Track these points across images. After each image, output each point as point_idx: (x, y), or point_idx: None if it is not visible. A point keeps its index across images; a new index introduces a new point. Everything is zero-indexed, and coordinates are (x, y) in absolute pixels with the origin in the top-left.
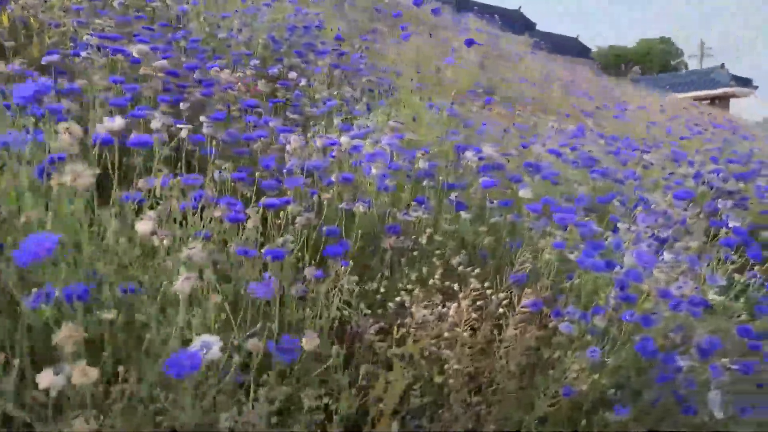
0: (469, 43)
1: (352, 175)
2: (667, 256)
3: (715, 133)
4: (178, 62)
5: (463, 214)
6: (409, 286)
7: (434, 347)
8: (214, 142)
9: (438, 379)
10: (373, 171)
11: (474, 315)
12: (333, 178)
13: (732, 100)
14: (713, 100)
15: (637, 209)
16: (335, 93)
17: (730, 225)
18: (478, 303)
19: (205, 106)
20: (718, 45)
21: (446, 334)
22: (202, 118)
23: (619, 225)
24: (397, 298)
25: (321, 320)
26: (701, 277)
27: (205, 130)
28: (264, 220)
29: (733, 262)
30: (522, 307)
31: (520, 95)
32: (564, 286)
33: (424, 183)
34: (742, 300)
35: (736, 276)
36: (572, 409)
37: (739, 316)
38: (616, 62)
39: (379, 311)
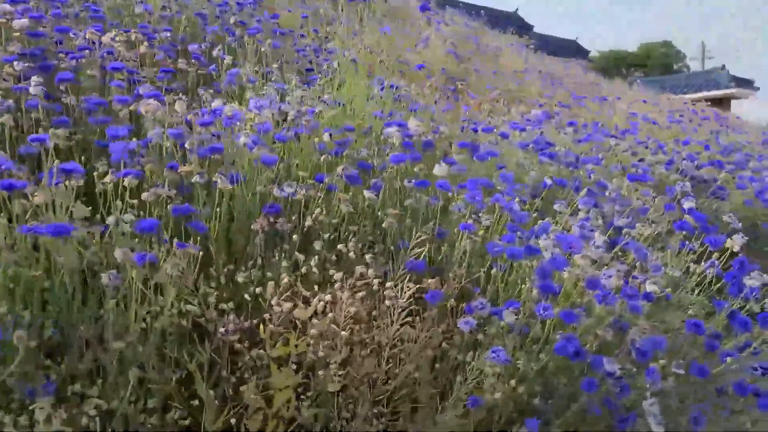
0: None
1: (221, 145)
2: (599, 240)
3: (702, 124)
4: (52, 27)
5: (368, 194)
6: (283, 276)
7: (315, 348)
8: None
9: (331, 387)
10: (242, 139)
11: (353, 309)
12: (203, 149)
13: (734, 102)
14: (714, 101)
15: (581, 193)
16: (257, 70)
17: (685, 207)
18: (360, 295)
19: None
20: (718, 46)
21: (328, 333)
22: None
23: (556, 207)
24: (258, 289)
25: (164, 318)
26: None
27: (32, 89)
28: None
29: (692, 251)
30: (410, 299)
31: (494, 86)
32: (487, 276)
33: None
34: (696, 293)
35: (692, 266)
36: (487, 422)
37: (686, 310)
38: (616, 65)
39: (252, 306)
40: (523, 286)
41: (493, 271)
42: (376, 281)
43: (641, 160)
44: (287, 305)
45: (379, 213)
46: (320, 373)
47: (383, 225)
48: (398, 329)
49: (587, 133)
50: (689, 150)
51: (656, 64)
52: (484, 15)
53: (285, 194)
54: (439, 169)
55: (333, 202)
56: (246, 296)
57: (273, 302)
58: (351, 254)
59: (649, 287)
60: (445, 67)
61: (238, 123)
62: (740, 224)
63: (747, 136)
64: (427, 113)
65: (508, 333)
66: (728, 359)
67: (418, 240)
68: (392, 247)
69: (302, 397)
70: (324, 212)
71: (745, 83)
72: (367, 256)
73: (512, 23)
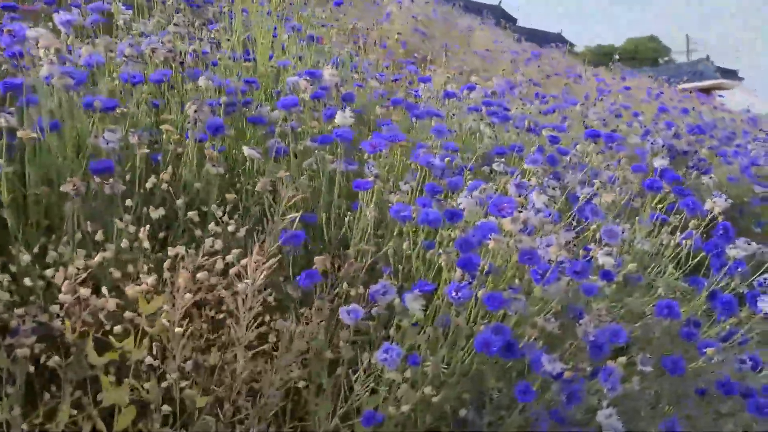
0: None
1: (20, 80)
2: (538, 201)
3: (683, 100)
4: None
5: (249, 151)
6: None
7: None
8: None
9: (201, 402)
10: (43, 70)
11: (191, 296)
12: None
13: (719, 93)
14: (700, 92)
15: (530, 149)
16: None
17: (656, 165)
18: (202, 277)
19: None
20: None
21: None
22: None
23: (495, 167)
24: (49, 272)
25: None
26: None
27: None
28: None
29: (666, 222)
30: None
31: (462, 63)
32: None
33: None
34: (670, 270)
35: (666, 238)
36: None
37: (653, 292)
38: (604, 59)
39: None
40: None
41: (405, 245)
42: (229, 257)
43: (614, 130)
44: (84, 292)
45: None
46: (164, 384)
47: (257, 188)
48: (254, 324)
49: (554, 104)
50: (668, 119)
51: (643, 58)
52: (462, 3)
53: (107, 145)
54: (340, 117)
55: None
56: (40, 283)
57: (64, 289)
58: (214, 225)
59: (602, 259)
60: (408, 41)
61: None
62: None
63: (733, 114)
64: (370, 83)
65: (421, 325)
66: (708, 350)
67: (293, 199)
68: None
69: (154, 416)
70: (179, 172)
71: (730, 74)
72: (230, 227)
73: (495, 15)
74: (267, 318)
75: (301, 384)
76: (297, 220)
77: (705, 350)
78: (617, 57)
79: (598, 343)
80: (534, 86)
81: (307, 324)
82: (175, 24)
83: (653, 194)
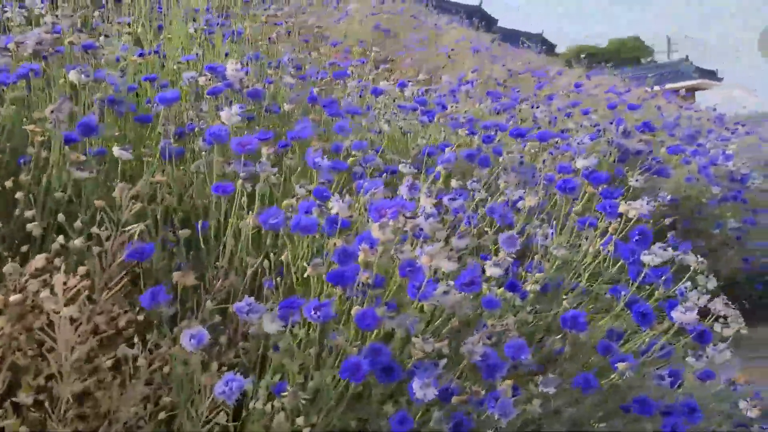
0: None
1: None
2: (428, 205)
3: (648, 99)
4: None
5: (118, 151)
6: None
7: None
8: None
9: None
10: None
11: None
12: None
13: (700, 93)
14: (678, 92)
15: (445, 150)
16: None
17: (579, 166)
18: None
19: None
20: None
21: None
22: None
23: (401, 168)
24: None
25: None
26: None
27: None
28: None
29: (593, 226)
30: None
31: (425, 61)
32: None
33: None
34: (586, 278)
35: (585, 243)
36: None
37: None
38: (587, 61)
39: None
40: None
41: (284, 255)
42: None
43: (564, 130)
44: None
45: (144, 179)
46: None
47: (114, 194)
48: (81, 353)
49: (503, 103)
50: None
51: (626, 58)
52: (435, 3)
53: None
54: (225, 115)
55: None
56: None
57: None
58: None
59: (490, 270)
60: (365, 40)
61: None
62: (669, 197)
63: (699, 113)
64: (285, 80)
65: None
66: (620, 365)
67: (134, 209)
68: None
69: None
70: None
71: (709, 74)
72: (78, 240)
73: (476, 16)
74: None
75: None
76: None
77: (617, 366)
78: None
79: (490, 363)
80: (498, 86)
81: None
82: (57, 15)
83: (567, 197)
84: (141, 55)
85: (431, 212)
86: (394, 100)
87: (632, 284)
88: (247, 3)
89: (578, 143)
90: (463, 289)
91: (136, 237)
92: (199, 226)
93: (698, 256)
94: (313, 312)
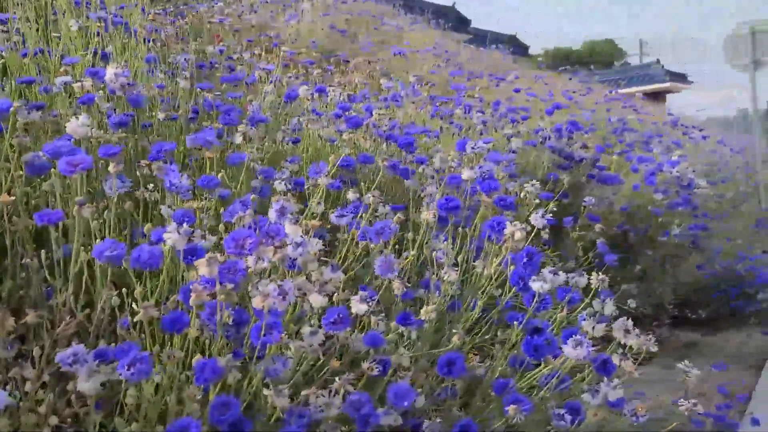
0: None
1: None
2: (292, 232)
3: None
4: None
5: None
6: None
7: None
8: None
9: None
10: None
11: None
12: None
13: (670, 96)
14: (649, 96)
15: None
16: None
17: (464, 177)
18: None
19: None
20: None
21: None
22: None
23: (276, 186)
24: None
25: None
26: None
27: None
28: None
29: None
30: None
31: (380, 63)
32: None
33: None
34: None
35: (480, 266)
36: None
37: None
38: (561, 62)
39: None
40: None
41: (137, 291)
42: None
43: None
44: None
45: None
46: None
47: None
48: None
49: (446, 108)
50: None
51: (599, 60)
52: (402, 3)
53: None
54: (71, 126)
55: None
56: None
57: None
58: None
59: (355, 307)
60: (318, 41)
61: None
62: (594, 200)
63: (654, 117)
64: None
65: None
66: (510, 408)
67: None
68: None
69: None
70: None
71: (679, 77)
72: None
73: (450, 16)
74: None
75: None
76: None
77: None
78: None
79: (362, 413)
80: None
81: None
82: None
83: (451, 214)
84: (25, 55)
85: (300, 241)
86: (325, 106)
87: (529, 311)
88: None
89: (473, 148)
90: (331, 329)
91: None
92: (43, 256)
93: (600, 273)
94: (126, 369)
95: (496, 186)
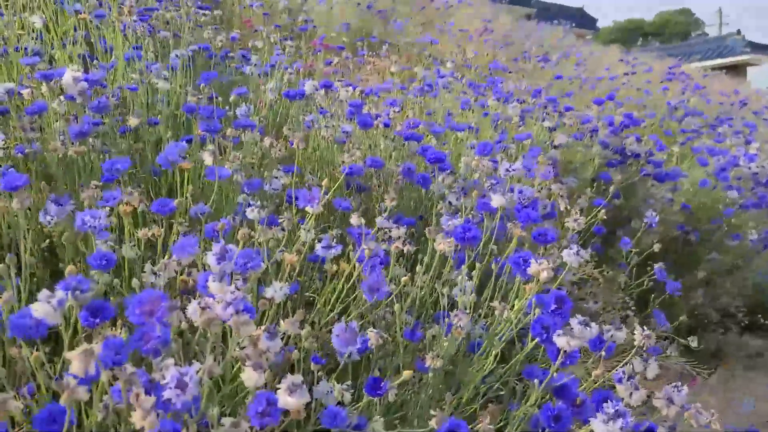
0: None
1: None
2: (219, 290)
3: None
4: None
5: None
6: None
7: None
8: None
9: None
10: None
11: None
12: None
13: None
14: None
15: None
16: None
17: (495, 205)
18: None
19: None
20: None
21: None
22: None
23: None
24: None
25: None
26: None
27: None
28: None
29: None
30: None
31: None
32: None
33: None
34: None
35: (499, 309)
36: None
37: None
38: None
39: None
40: None
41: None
42: None
43: (552, 129)
44: None
45: None
46: None
47: None
48: None
49: (465, 100)
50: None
51: (673, 33)
52: None
53: None
54: None
55: None
56: None
57: None
58: None
59: (283, 399)
60: (352, 23)
61: None
62: (657, 218)
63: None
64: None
65: None
66: None
67: None
68: None
69: None
70: None
71: (763, 49)
72: None
73: None
74: None
75: None
76: None
77: None
78: (651, 40)
79: None
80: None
81: None
82: None
83: (470, 247)
84: None
85: (231, 300)
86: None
87: (553, 367)
88: None
89: (507, 170)
90: (257, 422)
91: None
92: None
93: (646, 326)
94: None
95: (536, 217)
